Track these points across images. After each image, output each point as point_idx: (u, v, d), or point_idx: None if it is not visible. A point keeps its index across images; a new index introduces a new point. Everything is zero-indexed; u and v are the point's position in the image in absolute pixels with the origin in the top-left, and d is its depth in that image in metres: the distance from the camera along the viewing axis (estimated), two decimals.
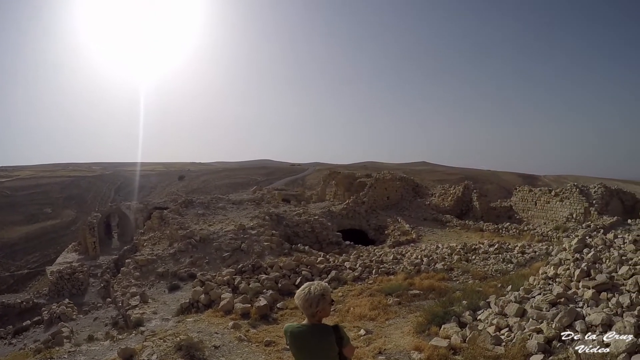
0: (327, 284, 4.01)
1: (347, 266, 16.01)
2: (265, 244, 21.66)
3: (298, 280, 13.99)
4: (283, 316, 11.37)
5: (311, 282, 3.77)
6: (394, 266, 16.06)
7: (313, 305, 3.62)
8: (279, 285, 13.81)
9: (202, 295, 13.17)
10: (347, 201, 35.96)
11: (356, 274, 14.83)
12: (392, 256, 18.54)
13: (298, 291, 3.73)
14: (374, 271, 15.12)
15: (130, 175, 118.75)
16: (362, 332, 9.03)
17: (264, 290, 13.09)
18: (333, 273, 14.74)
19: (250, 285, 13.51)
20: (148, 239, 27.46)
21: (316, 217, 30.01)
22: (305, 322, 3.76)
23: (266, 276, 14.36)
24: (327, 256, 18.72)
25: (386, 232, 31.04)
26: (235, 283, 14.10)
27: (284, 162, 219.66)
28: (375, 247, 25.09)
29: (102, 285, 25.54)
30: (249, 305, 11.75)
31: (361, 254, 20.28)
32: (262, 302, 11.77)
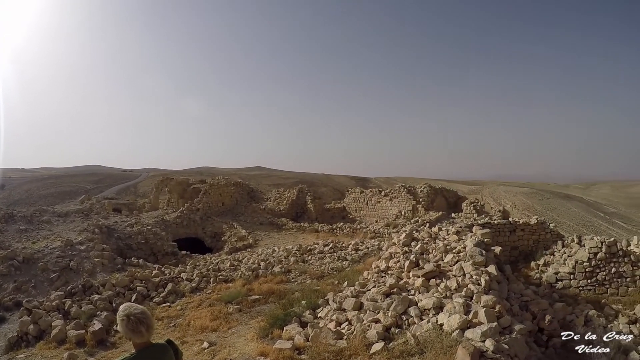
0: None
1: (184, 277, 15.36)
2: (96, 260, 19.63)
3: (133, 298, 13.05)
4: (121, 339, 10.44)
5: (127, 309, 3.27)
6: (231, 273, 15.83)
7: (153, 325, 3.34)
8: (114, 305, 12.68)
9: (31, 326, 11.46)
10: (181, 208, 34.57)
11: (194, 284, 14.31)
12: (229, 263, 18.23)
13: (124, 324, 3.20)
14: (211, 280, 14.74)
15: None
16: (206, 344, 8.61)
17: (98, 313, 11.93)
18: (170, 286, 14.00)
19: (82, 309, 12.20)
20: None
21: (149, 227, 28.18)
22: (134, 351, 3.31)
23: (99, 296, 13.13)
24: (163, 268, 17.67)
25: (223, 238, 30.41)
26: (66, 307, 12.57)
27: (115, 167, 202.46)
28: (212, 255, 24.38)
29: None
30: (84, 331, 10.59)
31: (198, 264, 19.59)
32: (97, 326, 10.66)
